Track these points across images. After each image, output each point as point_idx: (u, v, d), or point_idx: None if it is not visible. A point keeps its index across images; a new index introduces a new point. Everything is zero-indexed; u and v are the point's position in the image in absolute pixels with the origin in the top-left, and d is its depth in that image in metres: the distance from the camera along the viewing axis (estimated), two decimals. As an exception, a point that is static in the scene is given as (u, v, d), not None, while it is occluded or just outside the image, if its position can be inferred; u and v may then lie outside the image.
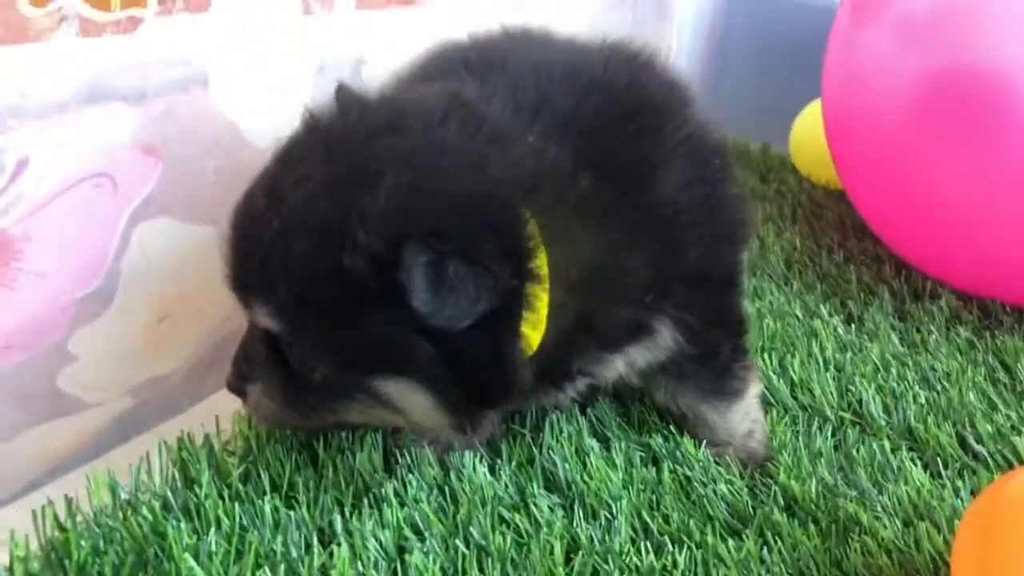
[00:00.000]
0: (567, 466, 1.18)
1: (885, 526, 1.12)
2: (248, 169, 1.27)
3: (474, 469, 1.14)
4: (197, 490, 0.98)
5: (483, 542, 1.01)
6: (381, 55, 1.55)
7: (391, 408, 0.92)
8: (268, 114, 1.29)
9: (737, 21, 2.61)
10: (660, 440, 1.27)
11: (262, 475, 1.04)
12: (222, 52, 1.18)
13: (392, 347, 0.87)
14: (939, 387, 1.46)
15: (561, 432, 1.25)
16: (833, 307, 1.71)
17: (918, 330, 1.65)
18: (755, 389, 1.34)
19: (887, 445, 1.30)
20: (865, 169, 1.78)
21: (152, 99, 1.13)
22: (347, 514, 1.02)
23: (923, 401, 1.41)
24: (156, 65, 1.12)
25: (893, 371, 1.49)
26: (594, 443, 1.24)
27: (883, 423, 1.36)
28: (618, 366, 1.14)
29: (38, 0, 0.94)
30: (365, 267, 0.81)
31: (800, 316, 1.65)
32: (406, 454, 1.14)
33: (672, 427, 1.30)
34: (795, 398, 1.42)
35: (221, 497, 0.98)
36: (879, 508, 1.16)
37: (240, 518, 0.96)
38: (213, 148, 1.23)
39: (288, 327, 0.88)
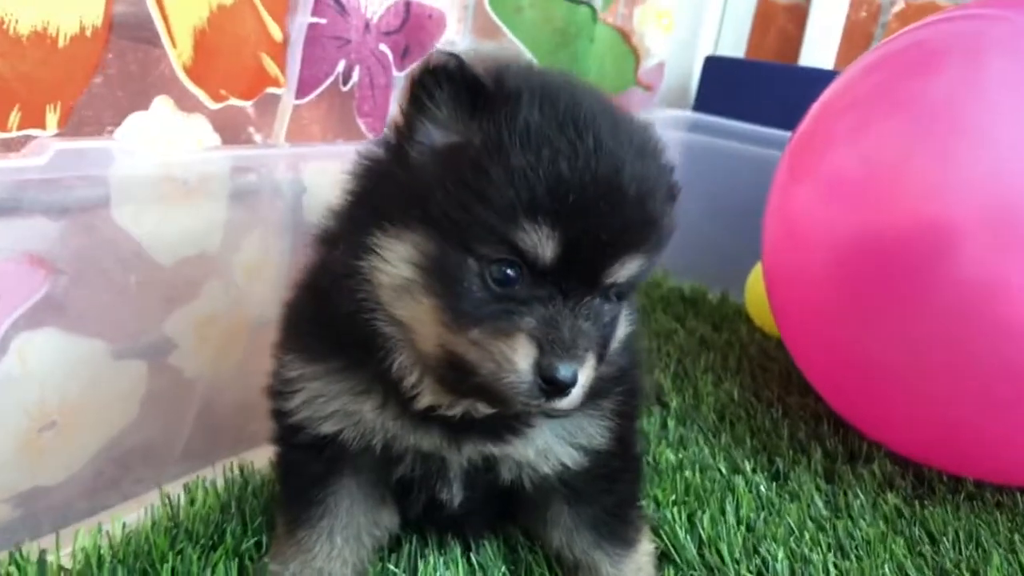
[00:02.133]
0: (431, 613, 1.13)
1: None
2: (150, 284, 1.31)
3: (330, 609, 1.09)
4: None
5: None
6: (322, 185, 1.60)
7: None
8: (173, 234, 1.32)
9: (697, 173, 2.66)
10: (540, 591, 1.22)
11: (95, 597, 1.01)
12: (126, 175, 1.22)
13: None
14: (854, 555, 1.40)
15: (436, 574, 1.20)
16: (760, 463, 1.66)
17: (845, 493, 1.59)
18: (649, 546, 1.30)
19: (785, 614, 1.23)
20: (800, 323, 1.77)
21: (51, 215, 1.17)
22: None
23: (833, 570, 1.35)
24: (56, 183, 1.15)
25: (807, 535, 1.43)
26: (468, 590, 1.19)
27: (787, 590, 1.30)
28: (538, 442, 1.12)
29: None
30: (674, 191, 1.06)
31: (723, 471, 1.61)
32: (260, 585, 1.11)
33: (555, 578, 1.25)
34: (701, 556, 1.37)
35: (38, 618, 0.95)
36: None
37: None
38: (113, 264, 1.25)
39: (648, 265, 1.01)
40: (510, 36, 2.20)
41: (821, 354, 1.75)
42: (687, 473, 1.57)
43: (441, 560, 1.23)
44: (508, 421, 1.10)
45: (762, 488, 1.57)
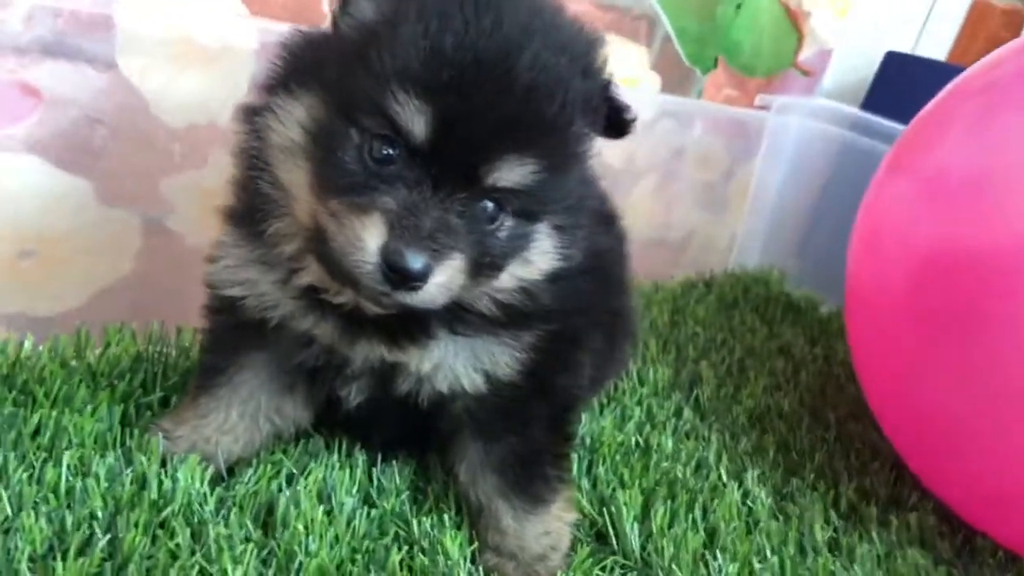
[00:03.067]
0: (293, 509, 1.07)
1: None
2: (149, 140, 1.34)
3: (191, 478, 1.06)
4: None
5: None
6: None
7: (526, 262, 1.00)
8: (183, 96, 1.34)
9: (847, 177, 2.37)
10: (427, 523, 1.12)
11: None
12: (134, 26, 1.26)
13: (573, 187, 0.99)
14: (820, 597, 1.19)
15: (327, 478, 1.14)
16: (770, 478, 1.45)
17: (860, 535, 1.35)
18: (567, 514, 1.18)
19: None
20: (868, 340, 1.53)
21: (56, 53, 1.23)
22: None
23: (785, 603, 1.15)
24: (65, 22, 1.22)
25: (778, 561, 1.23)
26: (348, 500, 1.12)
27: (718, 609, 1.12)
28: (435, 355, 1.05)
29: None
30: (600, 100, 0.97)
31: (722, 474, 1.41)
32: (137, 433, 1.11)
33: (450, 516, 1.15)
34: (643, 548, 1.21)
35: None
36: None
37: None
38: (112, 112, 1.30)
39: (539, 176, 0.91)
40: (640, -10, 2.07)
41: (887, 380, 1.50)
42: (676, 464, 1.40)
43: (337, 464, 1.18)
44: (407, 327, 1.04)
45: (757, 503, 1.36)
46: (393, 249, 0.86)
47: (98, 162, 1.32)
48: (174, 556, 0.96)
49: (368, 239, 0.87)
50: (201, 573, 0.96)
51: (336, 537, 1.06)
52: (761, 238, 2.43)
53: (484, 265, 0.95)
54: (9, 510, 0.94)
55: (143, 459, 1.06)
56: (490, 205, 0.93)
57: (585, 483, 1.30)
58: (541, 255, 1.01)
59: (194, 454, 1.10)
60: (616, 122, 1.01)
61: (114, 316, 1.40)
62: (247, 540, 1.02)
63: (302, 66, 0.98)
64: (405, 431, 1.20)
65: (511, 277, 1.01)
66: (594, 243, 1.15)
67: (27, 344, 1.18)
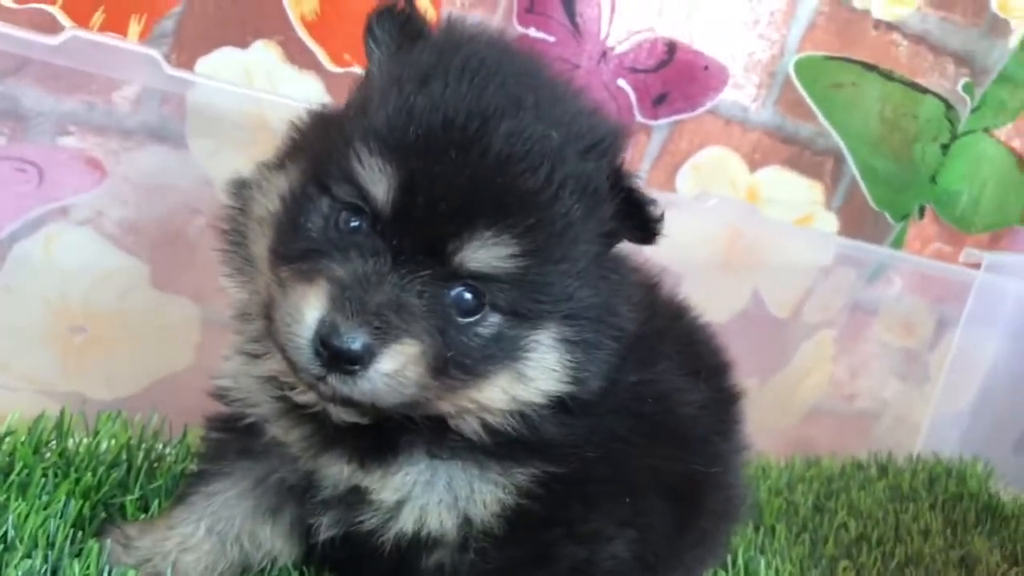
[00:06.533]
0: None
1: None
2: (213, 227, 1.29)
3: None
4: None
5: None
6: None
7: (522, 377, 0.84)
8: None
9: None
10: None
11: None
12: (205, 104, 1.22)
13: (579, 291, 0.83)
14: None
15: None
16: None
17: None
18: None
19: None
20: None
21: (129, 135, 1.23)
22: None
23: None
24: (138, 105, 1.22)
25: None
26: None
27: None
28: (398, 481, 0.88)
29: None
30: (603, 186, 0.83)
31: None
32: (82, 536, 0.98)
33: None
34: None
35: None
36: None
37: None
38: (176, 196, 1.25)
39: (519, 263, 0.79)
40: (819, 117, 1.82)
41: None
42: None
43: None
44: (376, 441, 0.88)
45: None
46: (328, 322, 0.75)
47: (156, 243, 1.27)
48: None
49: (306, 310, 0.76)
50: None
51: None
52: (964, 421, 1.98)
53: (452, 364, 0.80)
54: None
55: (73, 566, 0.93)
56: (467, 294, 0.80)
57: None
58: (541, 371, 0.84)
59: (137, 571, 0.96)
60: (638, 219, 0.85)
61: (173, 410, 1.32)
62: None
63: (299, 141, 0.92)
64: None
65: (502, 393, 0.84)
66: (653, 386, 0.95)
67: (11, 418, 1.11)
